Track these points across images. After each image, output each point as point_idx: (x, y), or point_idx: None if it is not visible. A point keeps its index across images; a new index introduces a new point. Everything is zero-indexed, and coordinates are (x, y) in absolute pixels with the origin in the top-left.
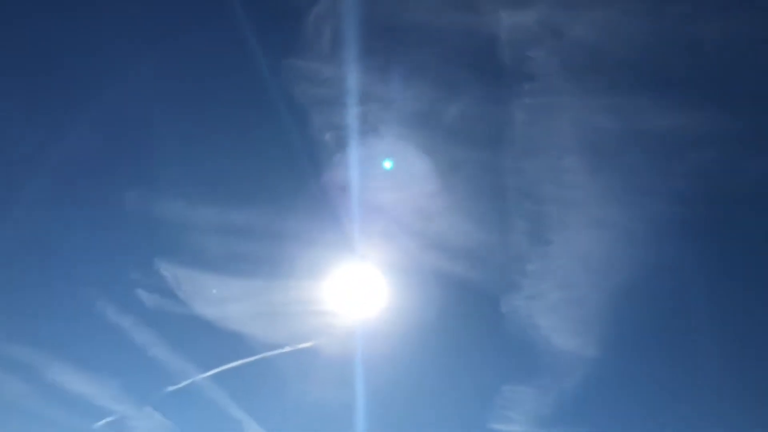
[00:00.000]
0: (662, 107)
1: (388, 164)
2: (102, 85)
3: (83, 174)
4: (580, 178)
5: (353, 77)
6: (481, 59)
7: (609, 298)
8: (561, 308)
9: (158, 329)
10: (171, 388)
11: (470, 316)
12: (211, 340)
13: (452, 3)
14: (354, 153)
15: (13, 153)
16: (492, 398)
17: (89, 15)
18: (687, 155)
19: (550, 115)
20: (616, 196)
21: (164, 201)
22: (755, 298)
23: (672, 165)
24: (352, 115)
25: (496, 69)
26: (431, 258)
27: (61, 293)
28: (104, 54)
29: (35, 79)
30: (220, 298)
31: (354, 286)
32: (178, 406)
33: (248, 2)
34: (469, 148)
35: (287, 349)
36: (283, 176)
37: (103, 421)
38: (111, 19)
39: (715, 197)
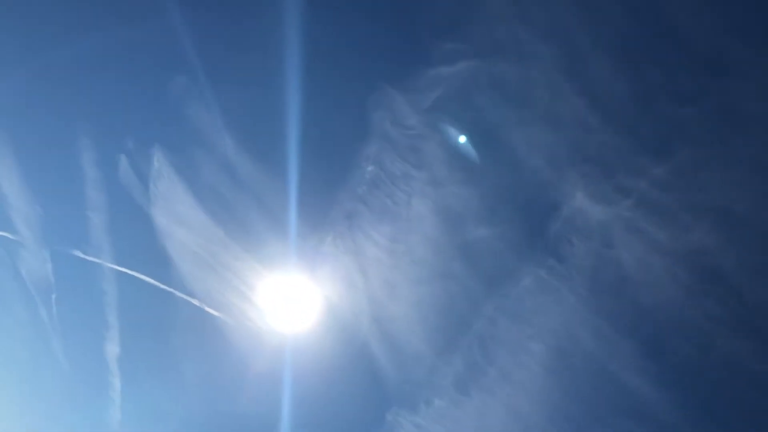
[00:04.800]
0: (640, 370)
1: (384, 231)
2: None
3: (133, 45)
4: (532, 367)
5: (422, 133)
6: (533, 211)
7: None
8: None
9: (111, 200)
10: (78, 253)
11: (358, 401)
12: (143, 244)
13: (541, 156)
14: (370, 194)
15: None
16: None
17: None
18: (629, 424)
19: (550, 300)
20: (547, 407)
21: (198, 105)
22: None
23: (612, 421)
24: (397, 164)
25: (539, 229)
26: (368, 326)
27: (55, 112)
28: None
29: None
30: (180, 217)
31: (290, 297)
32: (71, 271)
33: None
34: (468, 270)
35: (195, 301)
36: (306, 163)
37: (2, 233)
38: None
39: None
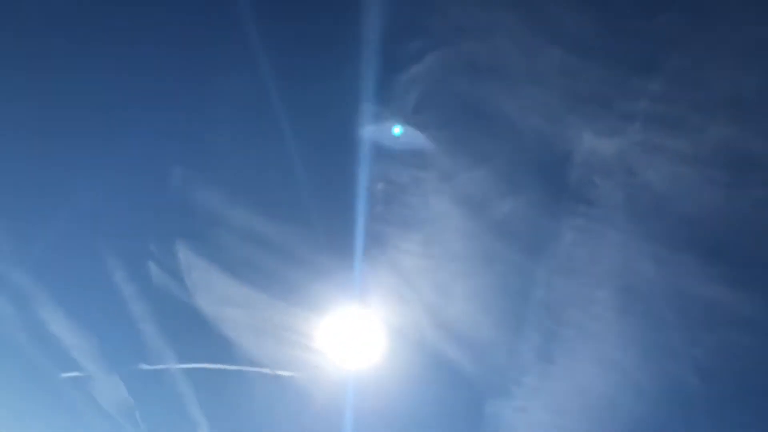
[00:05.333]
0: (710, 276)
1: (424, 230)
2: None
3: (136, 146)
4: (606, 314)
5: (422, 140)
6: (550, 168)
7: None
8: (545, 430)
9: (155, 307)
10: (144, 366)
11: (453, 405)
12: (199, 335)
13: (541, 108)
14: (396, 210)
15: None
16: None
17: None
18: (718, 331)
19: (598, 244)
20: (634, 344)
21: (205, 189)
22: None
23: (700, 335)
24: (407, 174)
25: (561, 183)
26: (435, 334)
27: (77, 238)
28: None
29: (82, 62)
30: (223, 298)
31: (351, 334)
32: (144, 385)
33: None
34: (510, 247)
35: (267, 370)
36: (321, 210)
37: (71, 374)
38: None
39: (735, 378)
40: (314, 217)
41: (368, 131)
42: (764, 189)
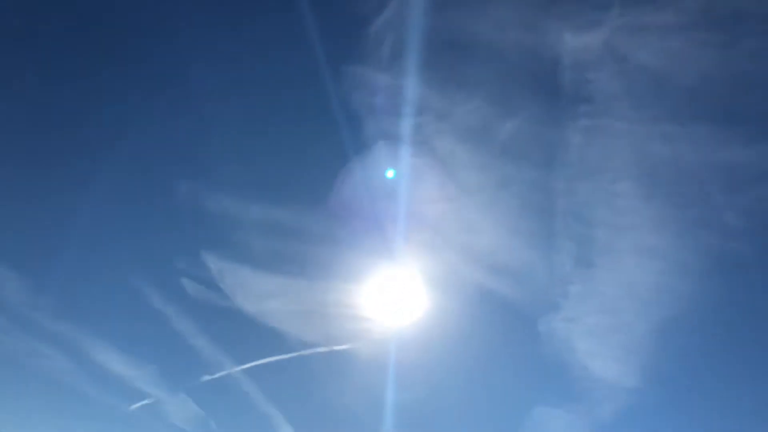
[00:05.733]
0: (723, 140)
1: (437, 175)
2: (164, 80)
3: (142, 165)
4: (632, 204)
5: (411, 87)
6: (540, 78)
7: (652, 327)
8: (600, 333)
9: (199, 319)
10: (206, 378)
11: (507, 333)
12: (249, 335)
13: (516, 21)
14: (405, 162)
15: (75, 146)
16: (522, 419)
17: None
18: (744, 190)
19: (607, 139)
20: (667, 226)
21: (215, 196)
22: None
23: (728, 199)
24: (406, 124)
25: (556, 89)
26: (473, 271)
27: (109, 276)
28: (168, 51)
29: (98, 76)
30: (261, 293)
31: (393, 293)
32: (211, 395)
33: (313, 7)
34: (522, 166)
35: (322, 349)
36: (331, 180)
37: (139, 404)
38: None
39: None
40: (324, 194)
41: (356, 92)
42: (758, 39)
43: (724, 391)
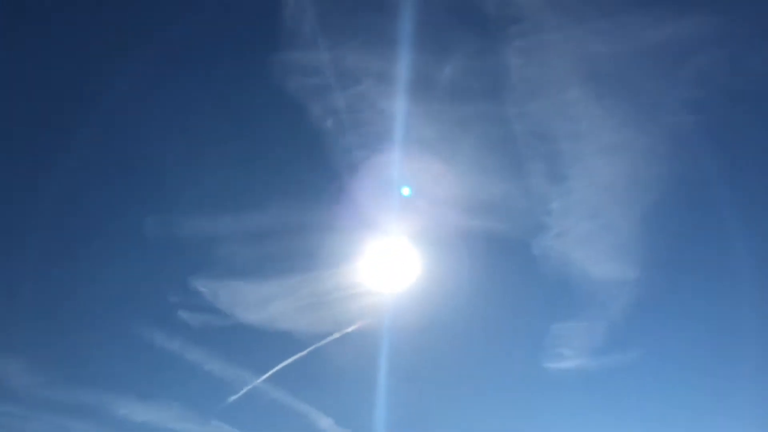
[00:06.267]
0: (655, 19)
1: (393, 138)
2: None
3: (100, 209)
4: (586, 108)
5: (341, 59)
6: (465, 13)
7: (638, 217)
8: (592, 238)
9: (207, 344)
10: (233, 398)
11: (506, 266)
12: (259, 344)
13: None
14: (357, 132)
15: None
16: (542, 339)
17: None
18: (688, 62)
19: (544, 52)
20: (625, 117)
21: (183, 220)
22: None
23: (676, 74)
24: (348, 96)
25: (482, 20)
26: (456, 218)
27: (107, 331)
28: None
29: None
30: (258, 301)
31: (384, 261)
32: (243, 413)
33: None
34: (471, 104)
35: (335, 335)
36: (292, 170)
37: None
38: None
39: (725, 98)
40: (295, 187)
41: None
42: None
43: (725, 262)
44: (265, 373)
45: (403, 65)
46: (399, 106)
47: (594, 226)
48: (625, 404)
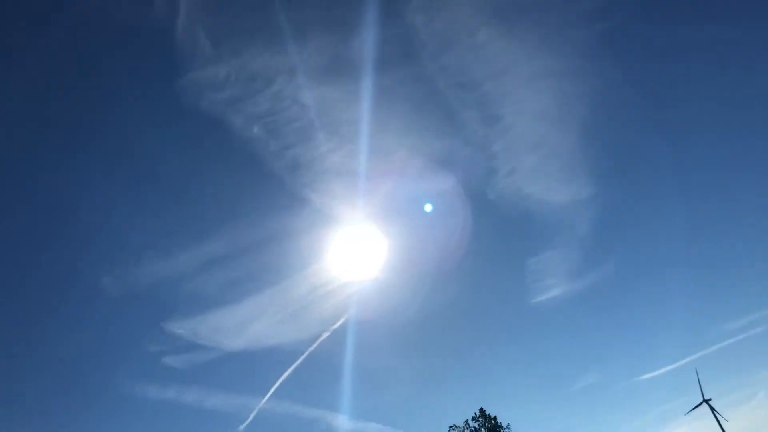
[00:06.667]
0: None
1: (315, 127)
2: None
3: (56, 278)
4: (497, 45)
5: (251, 62)
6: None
7: (578, 135)
8: (540, 168)
9: (202, 382)
10: (242, 427)
11: (467, 219)
12: (254, 366)
13: None
14: (280, 133)
15: None
16: (523, 277)
17: None
18: None
19: (443, 3)
20: (538, 43)
21: (140, 270)
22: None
23: None
24: (267, 97)
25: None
26: (406, 186)
27: (99, 399)
28: None
29: None
30: (239, 325)
31: (350, 247)
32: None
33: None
34: (388, 73)
35: (325, 334)
36: (230, 188)
37: None
38: None
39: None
40: (244, 202)
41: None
42: None
43: (674, 159)
44: (267, 392)
45: (309, 54)
46: (315, 95)
47: (539, 156)
48: (616, 314)
